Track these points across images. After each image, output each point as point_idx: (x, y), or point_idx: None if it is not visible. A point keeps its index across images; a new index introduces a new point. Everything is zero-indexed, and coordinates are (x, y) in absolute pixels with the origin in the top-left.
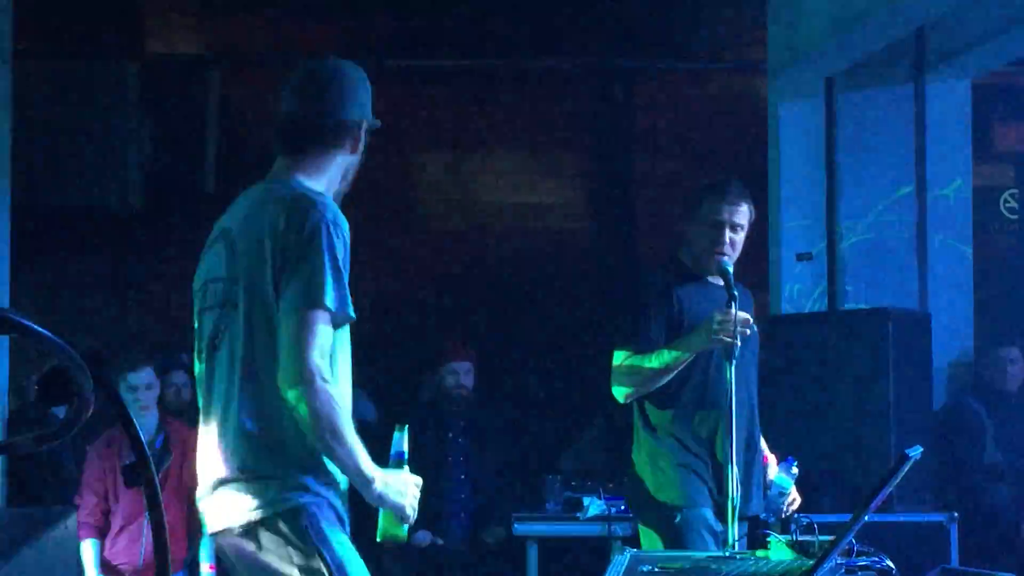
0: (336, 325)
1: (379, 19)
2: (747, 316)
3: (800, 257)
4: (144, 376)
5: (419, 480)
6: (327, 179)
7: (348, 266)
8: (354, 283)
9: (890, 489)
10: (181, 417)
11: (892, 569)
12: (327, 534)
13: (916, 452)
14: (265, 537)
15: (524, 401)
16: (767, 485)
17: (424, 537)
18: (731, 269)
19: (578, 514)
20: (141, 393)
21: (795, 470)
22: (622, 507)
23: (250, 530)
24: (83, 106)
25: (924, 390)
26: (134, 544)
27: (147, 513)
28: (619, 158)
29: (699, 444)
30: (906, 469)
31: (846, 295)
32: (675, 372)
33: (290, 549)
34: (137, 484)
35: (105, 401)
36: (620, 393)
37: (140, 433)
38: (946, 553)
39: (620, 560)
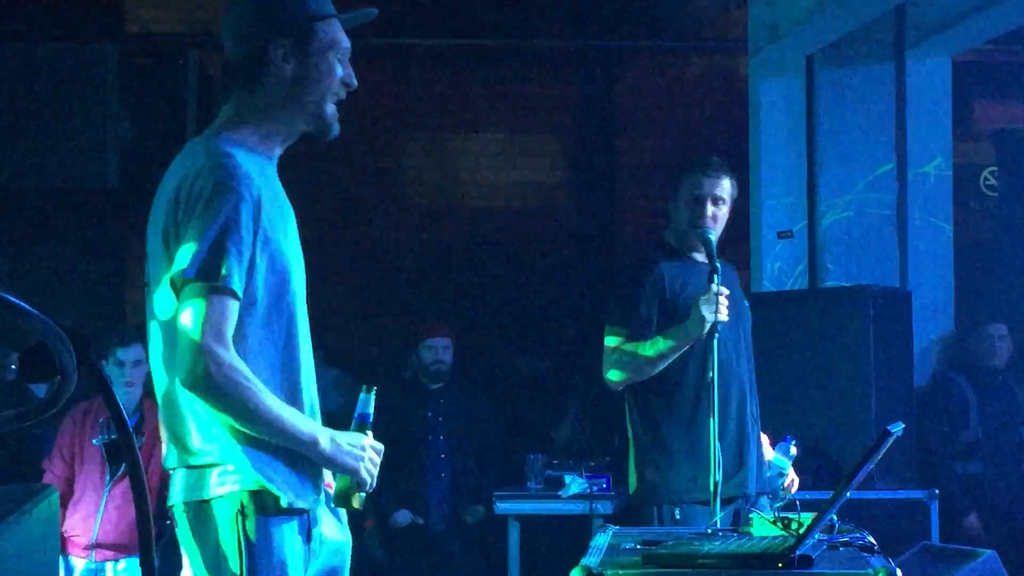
0: (237, 297)
1: None
2: (726, 290)
3: (781, 235)
4: (133, 352)
5: (379, 446)
6: (256, 121)
7: (248, 231)
8: (335, 261)
9: (872, 466)
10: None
11: (874, 545)
12: (257, 526)
13: (898, 429)
14: (199, 520)
15: (505, 379)
16: (765, 465)
17: (404, 516)
18: (714, 239)
19: (560, 492)
20: (128, 369)
21: (793, 450)
22: (603, 485)
23: (187, 511)
24: (62, 86)
25: (905, 368)
26: (89, 519)
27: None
28: (600, 137)
29: (697, 429)
30: (888, 445)
31: (827, 273)
32: (670, 360)
33: (217, 535)
34: (118, 461)
35: (88, 379)
36: (614, 378)
37: (123, 409)
38: (927, 529)
39: (602, 538)
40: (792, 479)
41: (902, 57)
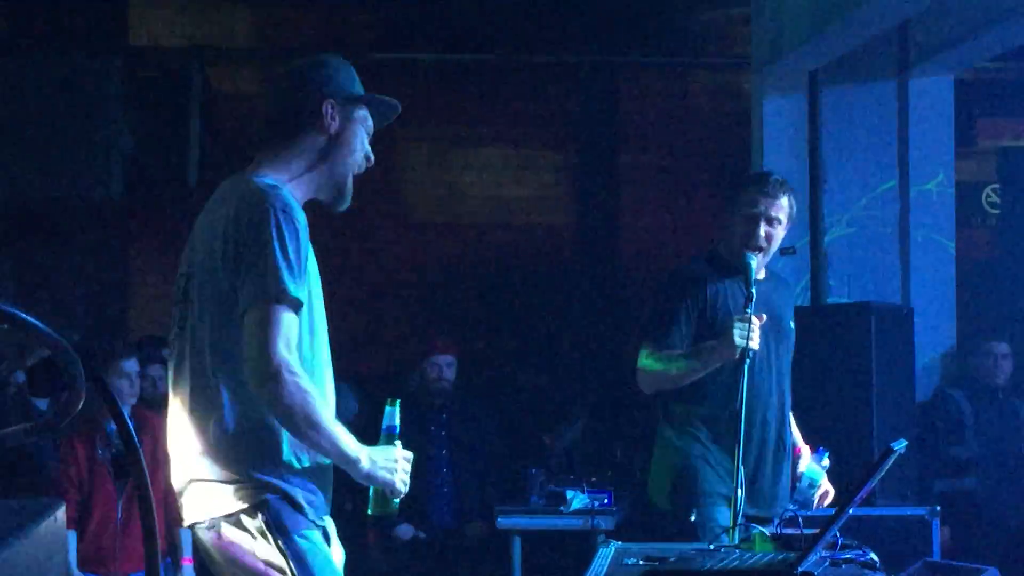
0: (298, 313)
1: (363, 13)
2: (760, 319)
3: (783, 251)
4: (135, 363)
5: (409, 455)
6: (293, 168)
7: (304, 255)
8: (338, 277)
9: (875, 482)
10: (154, 408)
11: (876, 562)
12: (289, 529)
13: (900, 445)
14: (229, 531)
15: (507, 394)
16: (797, 477)
17: (407, 530)
18: (753, 264)
19: (561, 507)
20: (135, 380)
21: (826, 462)
22: (605, 500)
23: (215, 525)
24: (67, 98)
25: (907, 384)
26: (106, 531)
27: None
28: (603, 153)
29: (723, 441)
30: (891, 462)
31: (829, 289)
32: (698, 376)
33: (252, 543)
34: (125, 476)
35: (95, 394)
36: (645, 386)
37: (130, 425)
38: (928, 546)
39: (605, 553)
40: (825, 490)
41: (905, 75)
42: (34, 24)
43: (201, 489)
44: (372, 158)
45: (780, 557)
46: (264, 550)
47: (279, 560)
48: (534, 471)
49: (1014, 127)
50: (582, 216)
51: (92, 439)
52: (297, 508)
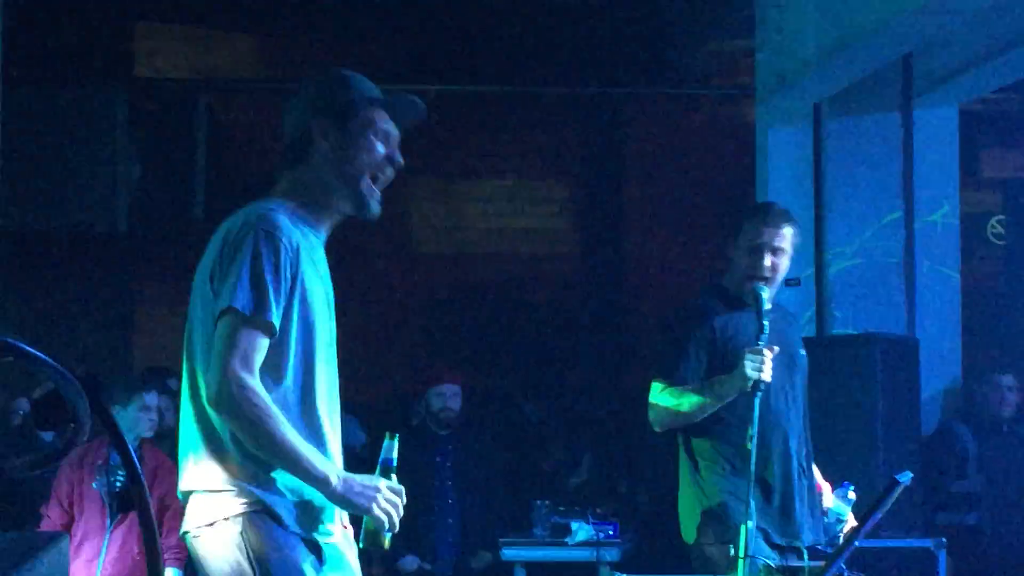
0: (269, 333)
1: (369, 45)
2: (772, 351)
3: (788, 283)
4: (155, 396)
5: (398, 487)
6: (304, 190)
7: (284, 277)
8: (343, 307)
9: (881, 514)
10: (159, 442)
11: None
12: (262, 541)
13: (906, 478)
14: (209, 540)
15: (512, 425)
16: (823, 512)
17: (412, 562)
18: (765, 296)
19: (566, 539)
20: (153, 413)
21: (852, 496)
22: (610, 532)
23: (199, 534)
24: (72, 130)
25: (912, 416)
26: (91, 563)
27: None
28: (607, 184)
29: (745, 474)
30: (896, 494)
31: (834, 320)
32: (710, 411)
33: (227, 553)
34: (130, 509)
35: (100, 426)
36: (656, 426)
37: (135, 459)
38: None
39: None
40: (852, 525)
41: (909, 106)
42: (39, 56)
43: (193, 499)
44: (398, 161)
45: None
46: (236, 561)
47: (248, 572)
48: (539, 503)
49: (1019, 158)
50: (586, 247)
51: (82, 468)
52: (276, 520)
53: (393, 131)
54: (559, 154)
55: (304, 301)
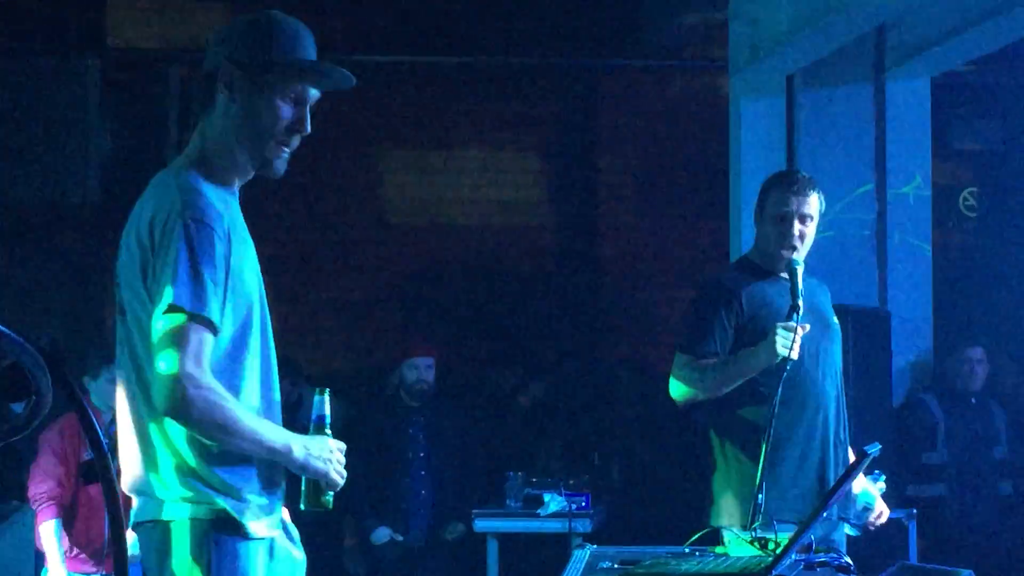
0: (213, 328)
1: (341, 15)
2: (806, 327)
3: None
4: None
5: (342, 445)
6: (208, 153)
7: (220, 264)
8: (315, 279)
9: (849, 485)
10: None
11: (850, 565)
12: (213, 552)
13: (875, 449)
14: (150, 540)
15: (485, 397)
16: (851, 499)
17: (384, 533)
18: (799, 265)
19: (539, 510)
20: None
21: (881, 484)
22: (582, 503)
23: (142, 532)
24: (43, 100)
25: (883, 388)
26: (92, 531)
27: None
28: (581, 155)
29: (776, 452)
30: (865, 466)
31: None
32: (736, 384)
33: (166, 558)
34: (94, 480)
35: (65, 398)
36: (677, 395)
37: (99, 430)
38: (904, 549)
39: (580, 556)
40: (881, 511)
41: (882, 77)
42: (10, 26)
43: (143, 500)
44: (306, 127)
45: (755, 560)
46: (189, 560)
47: (197, 571)
48: (512, 474)
49: (991, 130)
50: (560, 218)
51: (75, 436)
52: (233, 527)
53: (309, 94)
54: (532, 125)
55: (237, 283)
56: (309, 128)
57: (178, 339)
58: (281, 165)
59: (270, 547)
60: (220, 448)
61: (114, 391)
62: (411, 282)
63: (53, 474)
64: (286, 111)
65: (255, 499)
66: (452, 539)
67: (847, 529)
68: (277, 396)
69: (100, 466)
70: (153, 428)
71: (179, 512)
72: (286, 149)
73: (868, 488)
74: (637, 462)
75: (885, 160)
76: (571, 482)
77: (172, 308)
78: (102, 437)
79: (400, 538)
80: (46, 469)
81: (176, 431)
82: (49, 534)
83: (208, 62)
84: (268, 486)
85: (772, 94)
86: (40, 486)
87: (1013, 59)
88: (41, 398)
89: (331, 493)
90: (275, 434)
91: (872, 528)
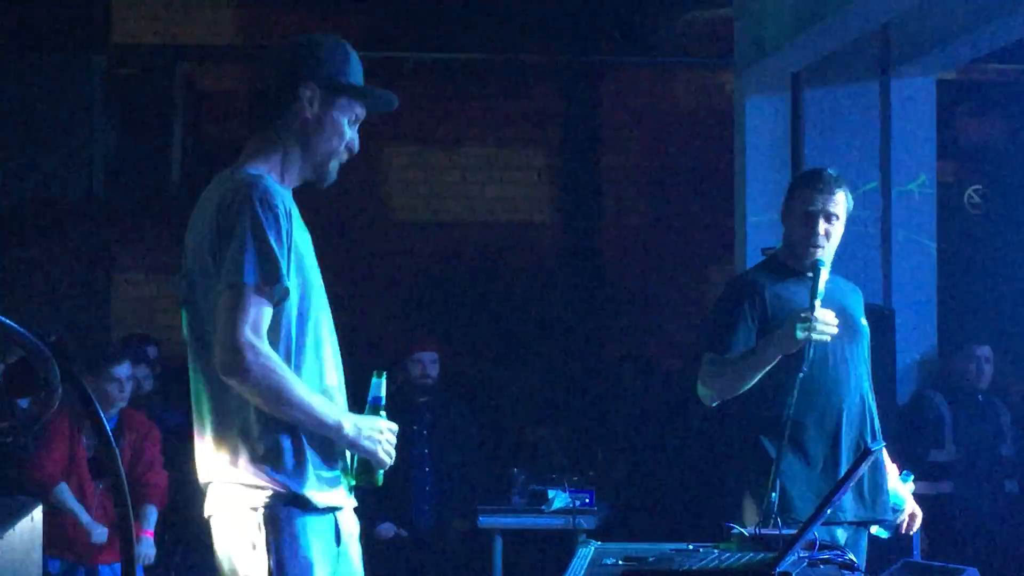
0: (273, 300)
1: (346, 11)
2: (831, 313)
3: (766, 252)
4: (126, 368)
5: (394, 426)
6: (274, 155)
7: (287, 242)
8: (321, 275)
9: (853, 482)
10: (141, 410)
11: (854, 562)
12: (282, 539)
13: (878, 446)
14: (230, 531)
15: (490, 393)
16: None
17: (389, 528)
18: (824, 266)
19: (543, 507)
20: (124, 384)
21: (911, 485)
22: (587, 500)
23: (219, 522)
24: (49, 96)
25: (888, 386)
26: (83, 530)
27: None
28: (586, 153)
29: (811, 446)
30: (868, 463)
31: None
32: (760, 373)
33: (246, 547)
34: (103, 477)
35: (72, 393)
36: (704, 395)
37: (106, 424)
38: (908, 547)
39: (585, 552)
40: (912, 512)
41: (887, 76)
42: (15, 22)
43: (214, 488)
44: (356, 147)
45: (759, 557)
46: (253, 554)
47: (264, 561)
48: (516, 470)
49: (996, 128)
50: (564, 215)
51: (74, 430)
52: (299, 504)
53: (363, 116)
54: (538, 122)
55: (300, 263)
56: (358, 147)
57: (239, 308)
58: (333, 177)
59: (336, 527)
60: (278, 423)
61: (115, 391)
62: (415, 278)
63: (57, 470)
64: (348, 131)
65: (315, 472)
66: (457, 535)
67: (875, 530)
68: (339, 379)
69: (107, 459)
70: (224, 411)
71: (249, 499)
72: (339, 163)
73: (898, 489)
74: (641, 459)
75: (890, 157)
76: (575, 478)
77: (235, 277)
78: (108, 430)
79: (405, 534)
80: (53, 459)
81: (244, 418)
82: (64, 498)
83: (277, 80)
84: (328, 460)
85: (777, 92)
86: (36, 470)
87: (1018, 57)
88: (51, 394)
89: (381, 471)
90: (328, 409)
91: (905, 531)
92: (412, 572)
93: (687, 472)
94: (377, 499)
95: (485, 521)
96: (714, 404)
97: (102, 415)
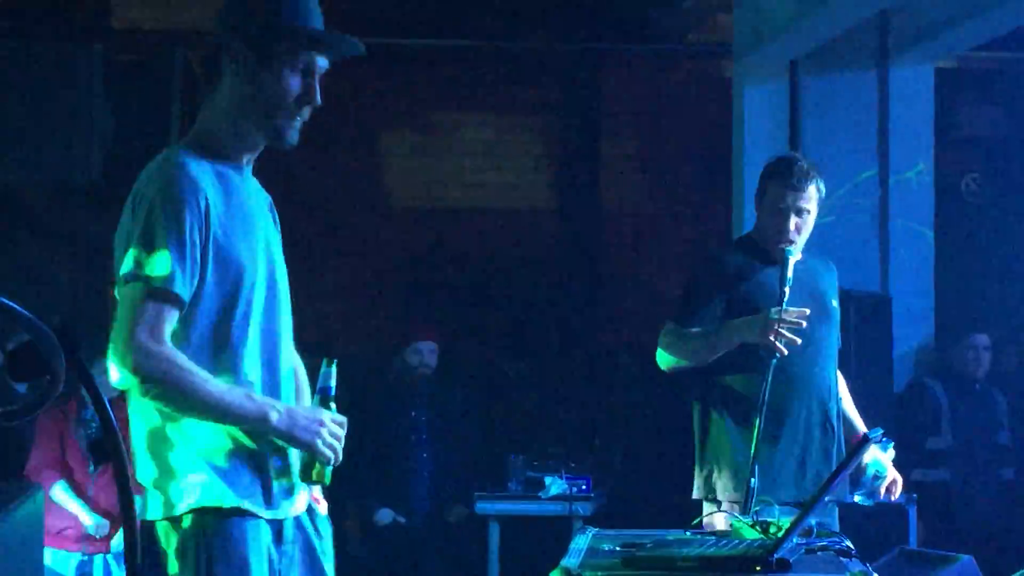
0: (171, 299)
1: None
2: (804, 312)
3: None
4: None
5: (342, 419)
6: (212, 125)
7: (191, 238)
8: (317, 263)
9: (850, 470)
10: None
11: (852, 549)
12: (215, 544)
13: (876, 434)
14: (163, 535)
15: (487, 380)
16: (861, 469)
17: (386, 515)
18: (791, 259)
19: (540, 493)
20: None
21: (891, 452)
22: (583, 487)
23: (152, 525)
24: (47, 82)
25: (885, 373)
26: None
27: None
28: (584, 139)
29: (769, 427)
30: (866, 451)
31: None
32: (718, 354)
33: (179, 551)
34: (104, 461)
35: (74, 377)
36: (663, 361)
37: (109, 409)
38: (904, 534)
39: (582, 539)
40: (893, 479)
41: (885, 63)
42: (11, 8)
43: (148, 492)
44: (316, 98)
45: (756, 544)
46: (186, 559)
47: (193, 558)
48: (513, 457)
49: (995, 116)
50: (563, 202)
51: (64, 418)
52: (232, 511)
53: (317, 64)
54: (535, 109)
55: (223, 256)
56: (319, 99)
57: (134, 310)
58: (293, 135)
59: (278, 529)
60: (197, 429)
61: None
62: (413, 266)
63: (50, 461)
64: (295, 82)
65: (247, 477)
66: (454, 521)
67: (858, 498)
68: (286, 370)
69: (111, 445)
70: (149, 413)
71: (177, 498)
72: (297, 120)
73: (878, 456)
74: (638, 445)
75: (888, 145)
76: (572, 465)
77: (130, 278)
78: (111, 415)
79: (403, 520)
80: (45, 456)
81: (158, 418)
82: (63, 495)
83: (214, 37)
84: (259, 462)
85: (776, 79)
86: (31, 474)
87: (1016, 45)
88: (55, 378)
89: (329, 468)
90: (247, 402)
91: (887, 499)
92: (409, 558)
93: (684, 459)
94: (375, 485)
95: (482, 508)
96: (667, 370)
97: (105, 401)
